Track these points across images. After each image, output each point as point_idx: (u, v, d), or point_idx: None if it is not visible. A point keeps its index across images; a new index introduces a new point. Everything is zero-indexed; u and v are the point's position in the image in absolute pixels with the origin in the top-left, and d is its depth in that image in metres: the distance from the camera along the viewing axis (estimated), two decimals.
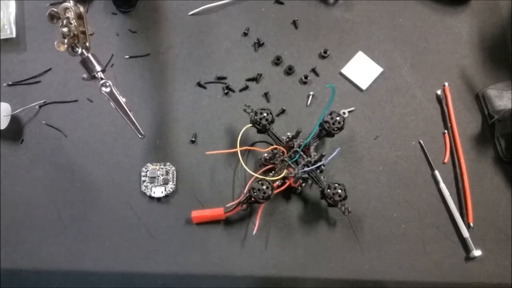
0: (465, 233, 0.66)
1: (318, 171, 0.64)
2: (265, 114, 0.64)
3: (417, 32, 0.77)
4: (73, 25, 0.54)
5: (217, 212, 0.65)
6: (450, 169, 0.71)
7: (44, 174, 0.69)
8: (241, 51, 0.76)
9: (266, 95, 0.73)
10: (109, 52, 0.74)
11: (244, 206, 0.64)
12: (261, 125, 0.64)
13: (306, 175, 0.63)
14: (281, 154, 0.65)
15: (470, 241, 0.66)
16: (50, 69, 0.73)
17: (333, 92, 0.59)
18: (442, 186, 0.69)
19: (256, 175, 0.63)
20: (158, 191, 0.67)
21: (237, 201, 0.64)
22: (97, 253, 0.66)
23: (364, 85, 0.74)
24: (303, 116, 0.73)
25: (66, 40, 0.54)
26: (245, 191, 0.64)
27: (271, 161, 0.65)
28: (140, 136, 0.59)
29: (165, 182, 0.68)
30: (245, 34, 0.76)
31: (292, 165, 0.64)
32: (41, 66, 0.73)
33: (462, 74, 0.75)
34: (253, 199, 0.60)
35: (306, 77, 0.74)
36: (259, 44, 0.76)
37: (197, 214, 0.65)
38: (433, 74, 0.75)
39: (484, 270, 0.66)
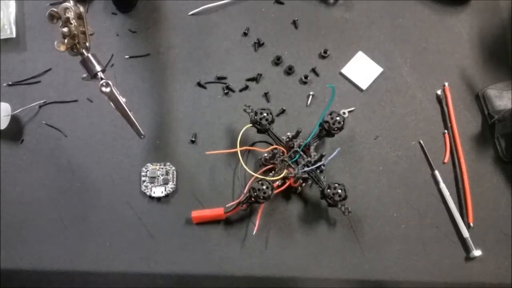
0: (465, 233, 0.66)
1: (318, 171, 0.64)
2: (265, 114, 0.64)
3: (417, 32, 0.77)
4: (73, 25, 0.54)
5: (217, 212, 0.65)
6: (450, 169, 0.70)
7: (44, 174, 0.69)
8: (241, 51, 0.76)
9: (266, 95, 0.73)
10: (109, 52, 0.74)
11: (244, 206, 0.64)
12: (261, 125, 0.64)
13: (306, 175, 0.63)
14: (281, 154, 0.65)
15: (470, 241, 0.66)
16: (50, 69, 0.73)
17: (333, 92, 0.59)
18: (442, 186, 0.69)
19: (256, 175, 0.63)
20: (158, 191, 0.67)
21: (237, 201, 0.64)
22: (97, 253, 0.66)
23: (364, 85, 0.74)
24: (303, 116, 0.73)
25: (66, 40, 0.54)
26: (245, 191, 0.64)
27: (271, 161, 0.65)
28: (140, 137, 0.59)
29: (165, 182, 0.68)
30: (245, 34, 0.76)
31: (292, 165, 0.64)
32: (41, 66, 0.73)
33: (462, 74, 0.75)
34: (253, 199, 0.60)
35: (306, 77, 0.74)
36: (259, 44, 0.75)
37: (197, 214, 0.65)
38: (433, 74, 0.75)
39: (484, 270, 0.66)
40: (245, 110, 0.66)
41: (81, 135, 0.71)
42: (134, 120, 0.58)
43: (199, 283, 0.65)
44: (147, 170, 0.68)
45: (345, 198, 0.61)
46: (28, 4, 0.77)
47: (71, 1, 0.54)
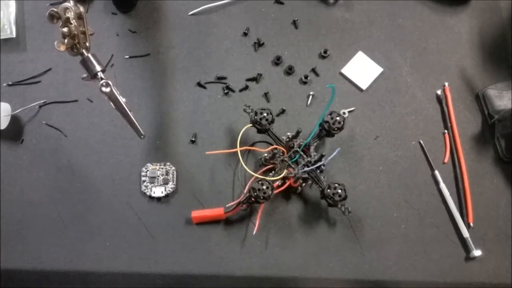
0: (465, 233, 0.66)
1: (318, 171, 0.64)
2: (265, 114, 0.64)
3: (417, 32, 0.77)
4: (73, 25, 0.54)
5: (217, 212, 0.65)
6: (450, 169, 0.70)
7: (44, 174, 0.69)
8: (241, 51, 0.76)
9: (266, 95, 0.73)
10: (109, 52, 0.74)
11: (244, 206, 0.64)
12: (261, 125, 0.64)
13: (306, 175, 0.63)
14: (281, 154, 0.65)
15: (470, 241, 0.66)
16: (50, 69, 0.74)
17: (333, 92, 0.59)
18: (442, 186, 0.69)
19: (256, 175, 0.63)
20: (158, 191, 0.67)
21: (237, 201, 0.64)
22: (97, 253, 0.66)
23: (364, 85, 0.74)
24: (303, 116, 0.73)
25: (66, 40, 0.54)
26: (245, 191, 0.64)
27: (271, 161, 0.65)
28: (140, 137, 0.59)
29: (165, 182, 0.68)
30: (245, 34, 0.76)
31: (292, 165, 0.64)
32: (41, 66, 0.73)
33: (462, 74, 0.75)
34: (253, 199, 0.60)
35: (306, 77, 0.74)
36: (259, 44, 0.75)
37: (197, 214, 0.66)
38: (433, 74, 0.75)
39: (484, 270, 0.66)
40: (245, 110, 0.66)
41: (81, 135, 0.71)
42: (134, 120, 0.58)
43: (199, 283, 0.65)
44: (147, 170, 0.68)
45: (345, 198, 0.61)
46: (28, 4, 0.77)
47: (71, 1, 0.54)
